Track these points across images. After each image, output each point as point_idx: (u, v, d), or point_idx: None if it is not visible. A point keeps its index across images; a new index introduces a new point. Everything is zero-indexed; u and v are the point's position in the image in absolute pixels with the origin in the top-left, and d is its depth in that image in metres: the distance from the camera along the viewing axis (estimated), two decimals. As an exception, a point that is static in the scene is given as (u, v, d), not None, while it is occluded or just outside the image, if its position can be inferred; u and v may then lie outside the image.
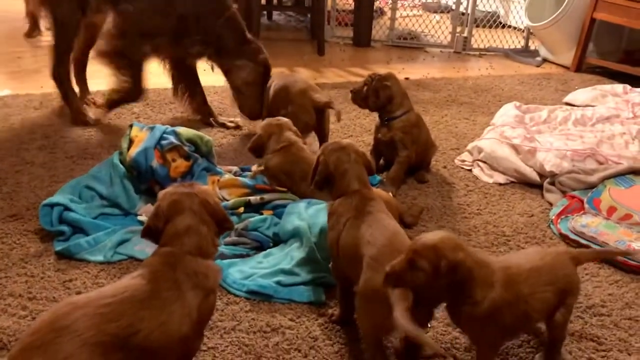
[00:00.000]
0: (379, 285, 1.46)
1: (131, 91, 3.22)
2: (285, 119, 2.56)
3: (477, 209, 2.62)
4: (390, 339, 1.71)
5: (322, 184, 1.83)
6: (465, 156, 3.13)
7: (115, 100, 3.26)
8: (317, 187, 1.85)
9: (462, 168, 3.05)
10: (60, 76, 3.22)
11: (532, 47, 5.93)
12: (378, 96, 2.74)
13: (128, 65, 3.14)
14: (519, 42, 6.06)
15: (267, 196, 2.36)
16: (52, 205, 2.19)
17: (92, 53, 3.35)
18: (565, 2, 5.00)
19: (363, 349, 1.69)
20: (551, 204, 2.68)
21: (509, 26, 6.23)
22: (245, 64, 3.17)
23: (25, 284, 1.90)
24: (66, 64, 3.23)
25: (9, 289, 1.86)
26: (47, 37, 4.99)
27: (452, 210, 2.60)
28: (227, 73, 3.24)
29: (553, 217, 2.52)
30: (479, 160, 3.03)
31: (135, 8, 3.01)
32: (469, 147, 3.17)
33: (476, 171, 2.99)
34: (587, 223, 2.39)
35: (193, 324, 1.37)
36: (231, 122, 3.39)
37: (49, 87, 3.63)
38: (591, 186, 2.65)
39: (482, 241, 2.35)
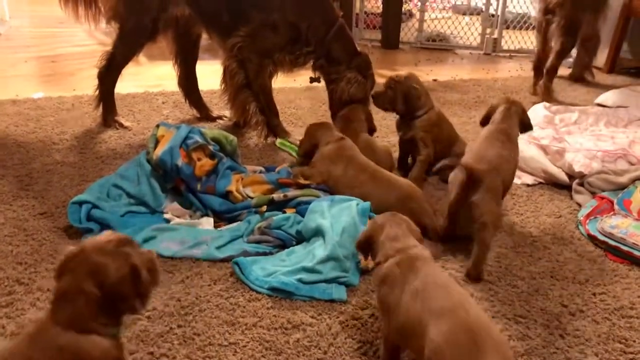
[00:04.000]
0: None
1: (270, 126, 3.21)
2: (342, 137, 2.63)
3: (504, 210, 2.58)
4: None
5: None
6: (493, 157, 3.09)
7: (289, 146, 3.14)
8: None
9: (489, 169, 3.01)
10: (105, 79, 3.25)
11: (564, 48, 5.83)
12: (408, 99, 2.73)
13: (253, 95, 3.13)
14: (551, 43, 5.96)
15: (290, 193, 2.37)
16: (80, 203, 2.24)
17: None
18: (598, 1, 4.93)
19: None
20: (580, 205, 2.63)
21: (540, 27, 6.13)
22: (355, 77, 3.10)
23: (53, 279, 1.93)
24: (116, 73, 3.25)
25: (38, 283, 1.90)
26: (82, 40, 5.13)
27: (477, 210, 2.56)
28: (333, 82, 3.14)
29: (581, 218, 2.47)
30: (506, 160, 2.99)
31: (246, 34, 3.00)
32: (497, 147, 3.12)
33: (503, 172, 2.95)
34: (617, 224, 2.34)
35: None
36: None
37: (81, 89, 3.73)
38: (621, 187, 2.60)
39: (507, 242, 2.32)
